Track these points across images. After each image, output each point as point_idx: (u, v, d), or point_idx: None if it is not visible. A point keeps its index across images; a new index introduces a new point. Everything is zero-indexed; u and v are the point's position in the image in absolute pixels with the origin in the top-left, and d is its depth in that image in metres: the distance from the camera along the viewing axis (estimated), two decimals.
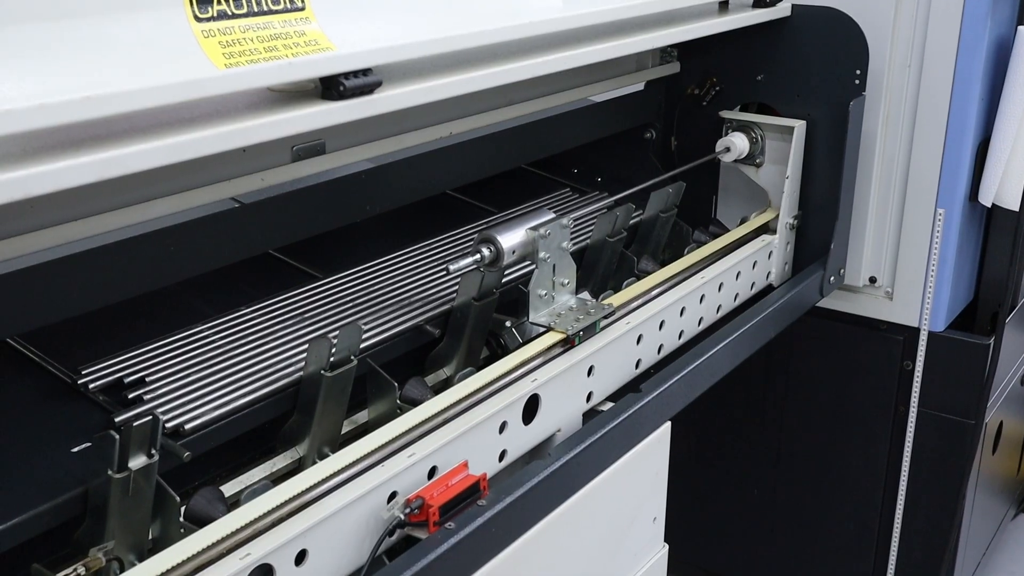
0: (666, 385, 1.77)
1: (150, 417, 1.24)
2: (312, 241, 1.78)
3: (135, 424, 1.22)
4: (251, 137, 1.17)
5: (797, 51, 2.33)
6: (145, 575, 1.13)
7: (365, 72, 1.29)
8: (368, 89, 1.30)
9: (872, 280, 2.59)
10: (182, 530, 1.29)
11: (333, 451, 1.53)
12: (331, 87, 1.26)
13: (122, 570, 1.26)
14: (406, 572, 1.26)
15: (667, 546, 1.91)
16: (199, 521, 1.31)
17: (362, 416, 1.62)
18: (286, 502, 1.27)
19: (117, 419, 1.36)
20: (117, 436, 1.22)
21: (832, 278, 2.40)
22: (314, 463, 1.51)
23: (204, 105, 1.22)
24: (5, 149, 1.01)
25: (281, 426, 1.53)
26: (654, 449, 1.78)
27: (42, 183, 0.99)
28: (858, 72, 2.27)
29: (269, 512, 1.25)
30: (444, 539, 1.32)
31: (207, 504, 1.32)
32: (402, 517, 1.34)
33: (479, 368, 1.76)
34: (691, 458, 2.98)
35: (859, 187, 2.46)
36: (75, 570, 1.21)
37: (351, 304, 1.77)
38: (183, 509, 1.31)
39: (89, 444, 1.32)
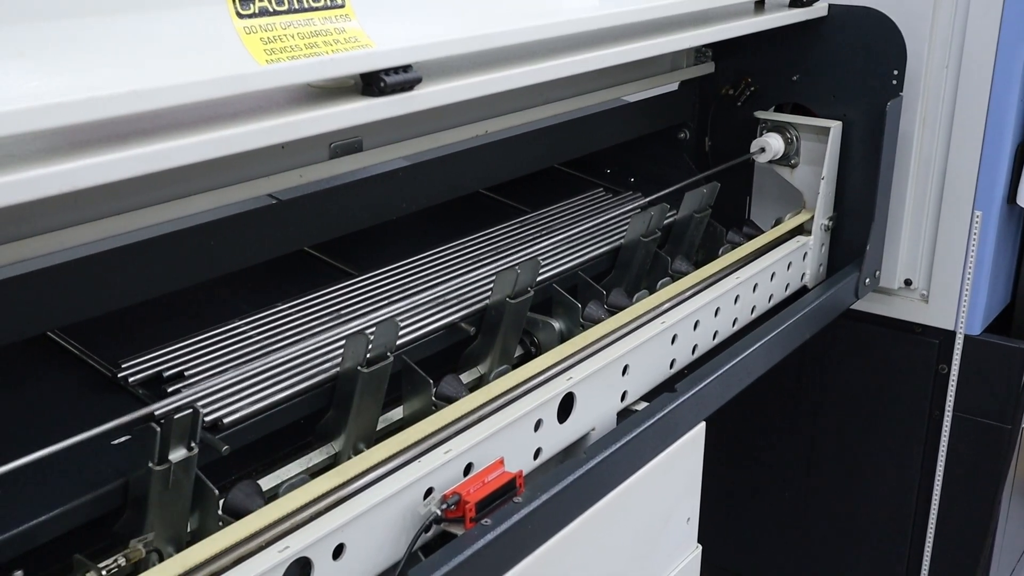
0: (701, 385, 1.76)
1: (190, 410, 1.25)
2: (346, 238, 1.79)
3: (176, 417, 1.23)
4: (294, 132, 1.18)
5: (834, 51, 2.32)
6: (185, 565, 1.14)
7: (405, 68, 1.30)
8: (408, 86, 1.30)
9: (907, 282, 2.57)
10: (220, 523, 1.30)
11: (368, 447, 1.54)
12: (372, 83, 1.27)
13: (161, 561, 1.27)
14: (443, 568, 1.26)
15: (700, 547, 1.90)
16: (237, 514, 1.31)
17: (397, 413, 1.62)
18: (324, 495, 1.28)
19: (157, 412, 1.37)
20: (158, 429, 1.23)
21: (867, 280, 2.38)
22: (349, 459, 1.51)
23: (244, 101, 1.23)
24: (53, 142, 1.02)
25: (317, 422, 1.53)
26: (689, 449, 1.78)
27: (88, 176, 1.00)
28: (895, 73, 2.25)
29: (307, 505, 1.25)
30: (480, 535, 1.32)
31: (245, 497, 1.33)
32: (439, 513, 1.34)
33: (514, 366, 1.77)
34: (722, 460, 2.96)
35: (895, 188, 2.44)
36: (115, 561, 1.22)
37: (386, 301, 1.78)
38: (221, 502, 1.32)
39: (129, 437, 1.33)
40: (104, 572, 1.20)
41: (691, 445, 1.78)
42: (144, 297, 1.47)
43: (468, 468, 1.44)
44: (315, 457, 1.52)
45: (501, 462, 1.45)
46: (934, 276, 2.53)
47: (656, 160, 2.53)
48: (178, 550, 1.29)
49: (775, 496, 2.94)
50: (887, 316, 2.62)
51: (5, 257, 1.24)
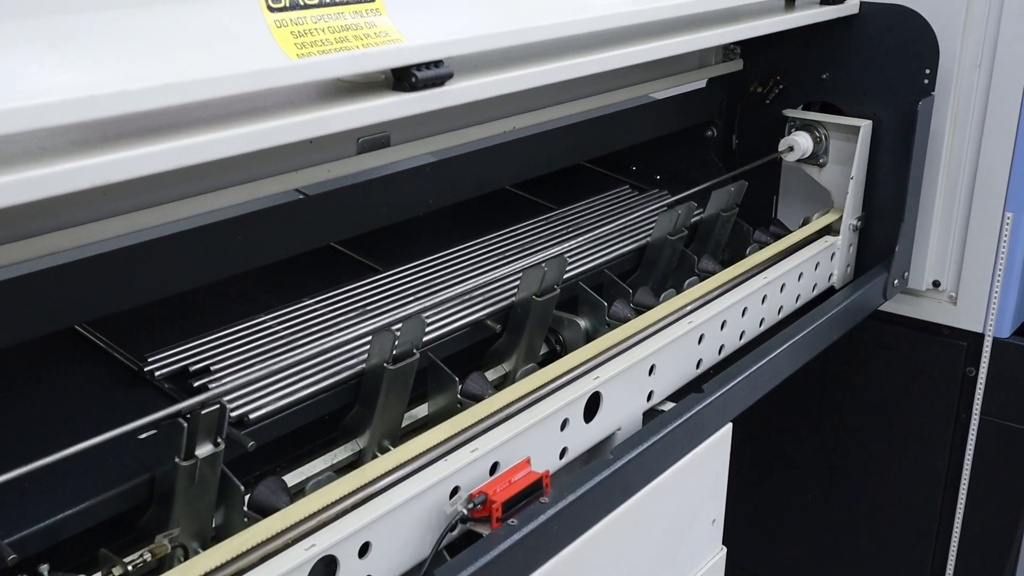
0: (729, 386, 1.75)
1: (217, 406, 1.24)
2: (372, 234, 1.78)
3: (203, 413, 1.22)
4: (326, 127, 1.17)
5: (865, 49, 2.29)
6: (212, 563, 1.13)
7: (437, 64, 1.29)
8: (439, 81, 1.29)
9: (936, 284, 2.54)
10: (246, 519, 1.29)
11: (393, 444, 1.53)
12: (403, 78, 1.26)
13: (187, 557, 1.27)
14: (469, 568, 1.25)
15: (725, 549, 1.89)
16: (262, 511, 1.31)
17: (422, 410, 1.62)
18: (351, 493, 1.27)
19: (183, 406, 1.36)
20: (185, 424, 1.22)
21: (896, 281, 2.35)
22: (374, 456, 1.51)
23: (272, 96, 1.22)
24: (85, 135, 1.01)
25: (341, 418, 1.53)
26: (715, 450, 1.76)
27: (121, 170, 0.99)
28: (927, 71, 2.23)
29: (334, 503, 1.25)
30: (507, 535, 1.31)
31: (271, 494, 1.32)
32: (465, 512, 1.33)
33: (539, 364, 1.76)
34: (745, 461, 2.95)
35: (924, 189, 2.41)
36: (141, 556, 1.22)
37: (411, 297, 1.77)
38: (247, 498, 1.31)
39: (155, 431, 1.32)
40: (130, 567, 1.20)
41: (718, 446, 1.77)
42: (171, 292, 1.46)
43: (494, 467, 1.43)
44: (340, 453, 1.51)
45: (528, 462, 1.44)
46: (963, 278, 2.50)
47: (683, 158, 2.51)
48: (203, 546, 1.29)
49: (798, 498, 2.92)
50: (914, 317, 2.59)
51: (34, 251, 1.24)
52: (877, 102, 2.30)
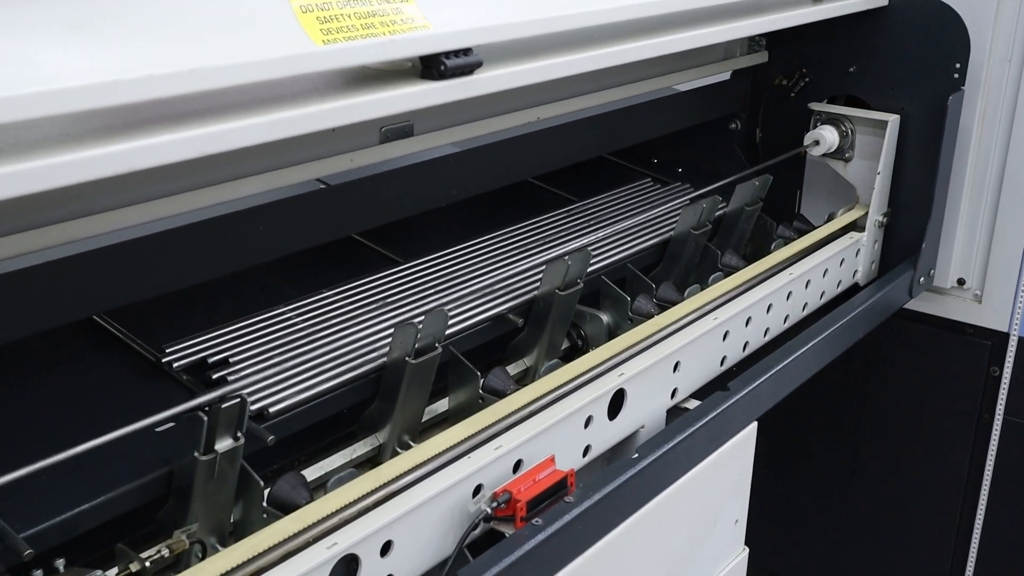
0: (755, 384, 1.72)
1: (238, 399, 1.22)
2: (392, 225, 1.75)
3: (223, 406, 1.20)
4: (354, 116, 1.14)
5: (893, 42, 2.25)
6: (233, 561, 1.11)
7: (466, 52, 1.25)
8: (468, 69, 1.26)
9: (960, 282, 2.50)
10: (265, 515, 1.27)
11: (414, 439, 1.50)
12: (431, 66, 1.23)
13: (204, 553, 1.24)
14: (493, 568, 1.23)
15: (747, 549, 1.86)
16: (282, 506, 1.28)
17: (442, 405, 1.59)
18: (372, 491, 1.24)
19: (203, 400, 1.34)
20: (205, 417, 1.20)
21: (922, 279, 2.32)
22: (394, 451, 1.48)
23: (296, 83, 1.19)
24: (106, 121, 0.98)
25: (360, 411, 1.50)
26: (740, 449, 1.73)
27: (145, 158, 0.96)
28: (957, 66, 2.18)
29: (356, 501, 1.22)
30: (531, 536, 1.28)
31: (291, 490, 1.29)
32: (488, 511, 1.30)
33: (560, 359, 1.73)
34: (764, 461, 2.91)
35: (951, 184, 2.37)
36: (159, 552, 1.20)
37: (432, 290, 1.74)
38: (266, 493, 1.29)
39: (173, 423, 1.30)
40: (147, 563, 1.17)
41: (742, 445, 1.74)
42: (190, 282, 1.44)
43: (517, 465, 1.40)
44: (359, 448, 1.48)
45: (552, 460, 1.41)
46: (988, 276, 2.46)
47: (705, 151, 2.47)
48: (221, 542, 1.27)
49: (817, 498, 2.88)
50: (937, 315, 2.56)
51: (52, 239, 1.21)
52: (905, 96, 2.26)
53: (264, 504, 1.28)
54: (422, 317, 1.47)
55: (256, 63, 1.07)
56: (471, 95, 1.28)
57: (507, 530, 1.30)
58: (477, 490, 1.34)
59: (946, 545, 2.69)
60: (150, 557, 1.18)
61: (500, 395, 1.53)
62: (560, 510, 1.34)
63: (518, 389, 1.54)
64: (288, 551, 1.15)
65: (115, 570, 1.17)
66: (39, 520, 1.14)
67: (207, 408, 1.22)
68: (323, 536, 1.18)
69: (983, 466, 2.58)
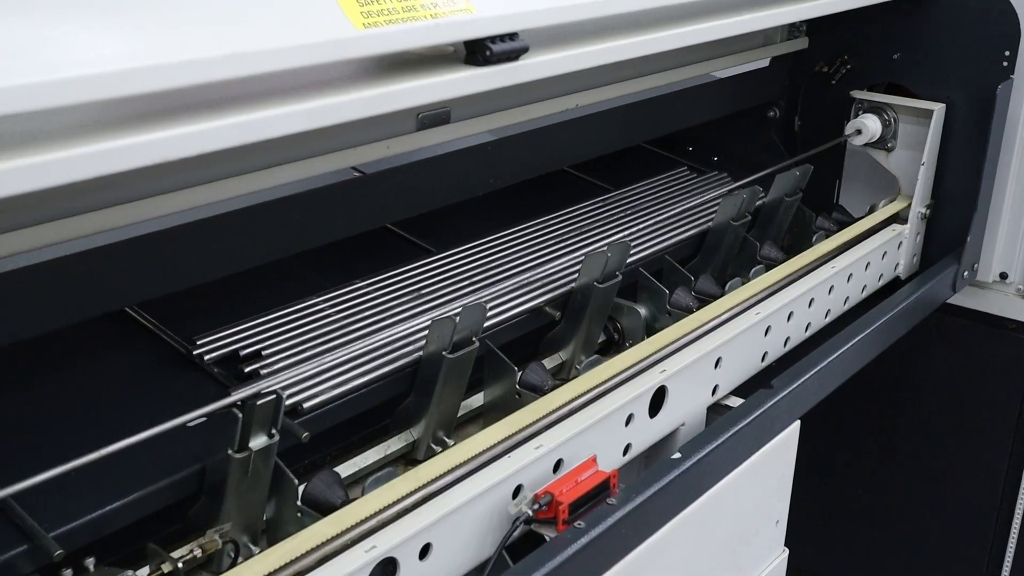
0: (799, 382, 1.67)
1: (273, 396, 1.18)
2: (424, 214, 1.70)
3: (258, 403, 1.16)
4: (396, 103, 1.09)
5: (939, 29, 2.18)
6: (271, 565, 1.07)
7: (512, 36, 1.20)
8: (514, 55, 1.21)
9: (1003, 276, 2.44)
10: (299, 514, 1.23)
11: (448, 435, 1.46)
12: (476, 51, 1.17)
13: (237, 552, 1.21)
14: (536, 572, 1.18)
15: (787, 550, 1.81)
16: (316, 505, 1.25)
17: (477, 399, 1.55)
18: (411, 493, 1.20)
19: (237, 397, 1.30)
20: (239, 414, 1.16)
21: (966, 273, 2.25)
22: (429, 446, 1.44)
23: (334, 68, 1.14)
24: (141, 108, 0.94)
25: (393, 406, 1.46)
26: (783, 449, 1.68)
27: (183, 147, 0.92)
28: (1007, 54, 2.11)
29: (394, 503, 1.18)
30: (574, 539, 1.24)
31: (326, 488, 1.26)
32: (530, 513, 1.26)
33: (597, 352, 1.68)
34: (801, 458, 2.85)
35: (996, 177, 2.30)
36: (192, 552, 1.16)
37: (467, 281, 1.69)
38: (300, 491, 1.25)
39: (205, 419, 1.26)
40: (180, 563, 1.14)
41: (785, 444, 1.69)
42: (223, 273, 1.40)
43: (558, 465, 1.36)
44: (393, 444, 1.44)
45: (594, 460, 1.36)
46: None
47: (742, 139, 2.41)
48: (253, 541, 1.23)
49: (855, 496, 2.82)
50: (978, 310, 2.49)
51: (83, 228, 1.17)
52: (951, 85, 2.20)
53: (298, 503, 1.24)
54: (458, 310, 1.43)
55: (296, 48, 1.02)
56: (517, 81, 1.23)
57: (549, 533, 1.26)
58: (517, 491, 1.30)
59: (983, 543, 2.64)
60: (182, 557, 1.15)
61: (537, 391, 1.49)
62: (603, 512, 1.29)
63: (556, 385, 1.50)
64: (326, 554, 1.11)
65: (146, 570, 1.13)
66: (69, 519, 1.11)
67: (241, 404, 1.18)
68: (361, 539, 1.14)
69: (1022, 463, 2.52)
